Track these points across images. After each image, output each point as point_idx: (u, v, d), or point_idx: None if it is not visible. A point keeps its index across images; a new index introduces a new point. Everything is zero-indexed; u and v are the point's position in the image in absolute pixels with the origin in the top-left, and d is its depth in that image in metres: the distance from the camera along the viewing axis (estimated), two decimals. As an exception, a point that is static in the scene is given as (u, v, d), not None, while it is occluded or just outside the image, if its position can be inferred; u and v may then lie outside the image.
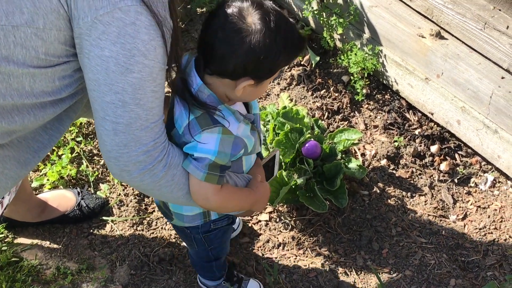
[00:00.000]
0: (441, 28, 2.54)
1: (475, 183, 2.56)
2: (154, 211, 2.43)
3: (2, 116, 1.44)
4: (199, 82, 1.56)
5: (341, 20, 2.69)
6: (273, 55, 1.53)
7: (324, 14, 2.76)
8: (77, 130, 2.62)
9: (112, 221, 2.42)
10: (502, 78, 2.37)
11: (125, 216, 2.43)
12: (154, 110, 1.45)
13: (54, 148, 2.55)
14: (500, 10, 2.39)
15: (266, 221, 2.43)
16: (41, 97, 1.45)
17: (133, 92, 1.39)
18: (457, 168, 2.58)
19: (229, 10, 1.50)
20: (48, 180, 2.49)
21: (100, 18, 1.31)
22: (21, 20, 1.31)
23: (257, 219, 2.43)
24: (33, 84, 1.42)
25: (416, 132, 2.67)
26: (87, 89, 1.43)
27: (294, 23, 1.58)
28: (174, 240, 2.36)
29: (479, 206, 2.49)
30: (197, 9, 3.12)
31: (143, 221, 2.42)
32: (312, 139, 2.35)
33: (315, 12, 2.77)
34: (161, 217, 2.40)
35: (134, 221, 2.41)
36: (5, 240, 2.33)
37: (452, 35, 2.52)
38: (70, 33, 1.37)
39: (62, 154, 2.55)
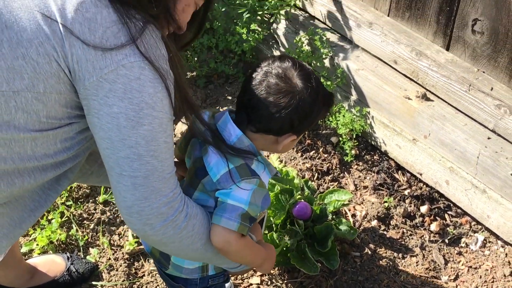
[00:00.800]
0: (427, 90, 2.59)
1: (466, 243, 2.55)
2: (144, 275, 2.40)
3: (2, 179, 1.44)
4: (239, 133, 1.64)
5: (328, 82, 2.74)
6: (316, 111, 1.66)
7: (312, 77, 2.81)
8: (67, 194, 2.61)
9: (101, 286, 2.38)
10: (488, 138, 2.41)
11: (115, 280, 2.39)
12: (168, 161, 1.47)
13: (44, 212, 2.54)
14: (484, 72, 2.45)
15: (258, 284, 2.40)
16: (43, 160, 1.46)
17: (146, 145, 1.41)
18: (448, 228, 2.58)
19: (274, 71, 1.61)
20: (37, 245, 2.45)
21: (105, 76, 1.34)
22: (21, 85, 1.33)
23: (248, 282, 2.40)
24: (35, 148, 1.43)
25: (406, 192, 2.67)
26: (99, 148, 1.45)
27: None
28: (164, 305, 2.33)
29: (470, 266, 2.47)
30: (187, 73, 3.16)
31: (133, 286, 2.38)
32: (302, 200, 2.35)
33: (303, 75, 2.82)
34: (151, 281, 2.37)
35: (124, 286, 2.38)
36: (-7, 307, 2.29)
37: (438, 97, 2.57)
38: (71, 95, 1.39)
39: (52, 219, 2.53)
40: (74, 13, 1.32)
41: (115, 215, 2.59)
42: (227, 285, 2.32)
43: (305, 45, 2.82)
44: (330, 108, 1.80)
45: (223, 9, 2.99)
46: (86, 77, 1.34)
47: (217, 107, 2.95)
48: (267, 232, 2.34)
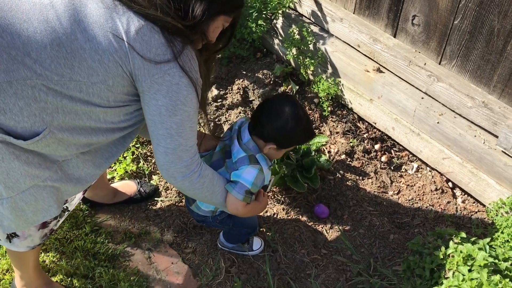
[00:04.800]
0: (380, 65, 2.58)
1: (405, 169, 2.59)
2: (189, 193, 2.45)
3: (84, 135, 1.48)
4: (248, 137, 1.75)
5: (312, 61, 2.74)
6: (292, 137, 1.75)
7: (300, 57, 2.80)
8: (136, 139, 2.66)
9: (161, 200, 2.44)
10: (422, 98, 2.42)
11: (170, 197, 2.45)
12: (191, 139, 1.51)
13: (115, 160, 2.56)
14: (420, 52, 2.45)
15: (265, 198, 2.45)
16: (111, 125, 1.50)
17: (177, 128, 1.45)
18: (393, 159, 2.62)
19: (277, 100, 1.75)
20: (117, 173, 2.51)
21: (155, 80, 1.37)
22: (97, 79, 1.35)
23: (258, 197, 2.45)
24: (105, 117, 1.46)
25: (365, 135, 2.69)
26: (147, 125, 1.49)
27: (311, 121, 1.80)
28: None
29: (408, 185, 2.52)
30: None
31: (182, 200, 2.45)
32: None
33: (295, 56, 2.81)
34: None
35: (176, 200, 2.44)
36: (89, 215, 2.37)
37: (388, 70, 2.57)
38: (130, 88, 1.42)
39: (126, 156, 2.57)
40: (136, 35, 1.33)
41: (168, 153, 2.62)
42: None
43: (296, 35, 2.79)
44: (309, 140, 1.88)
45: (239, 10, 2.95)
46: (143, 79, 1.37)
47: (235, 79, 2.95)
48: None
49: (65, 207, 1.76)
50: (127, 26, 1.33)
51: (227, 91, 2.90)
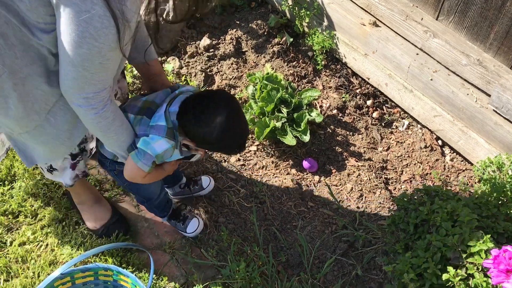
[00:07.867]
0: (377, 19, 2.52)
1: (396, 126, 2.58)
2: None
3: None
4: (177, 109, 1.57)
5: (308, 12, 2.66)
6: (213, 146, 1.68)
7: (296, 8, 2.72)
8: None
9: None
10: (417, 54, 2.37)
11: None
12: (99, 75, 1.33)
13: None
14: (417, 6, 2.38)
15: (255, 151, 2.45)
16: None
17: (81, 61, 1.28)
18: (384, 116, 2.60)
19: (213, 103, 1.57)
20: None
21: (61, 0, 1.19)
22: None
23: (248, 149, 2.45)
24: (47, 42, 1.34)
25: (357, 91, 2.66)
26: None
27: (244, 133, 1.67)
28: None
29: (398, 141, 2.51)
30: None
31: (171, 150, 2.42)
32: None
33: (290, 6, 2.73)
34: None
35: None
36: (78, 162, 2.35)
37: (384, 24, 2.50)
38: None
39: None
40: None
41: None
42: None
43: (292, -15, 2.70)
44: (234, 153, 1.82)
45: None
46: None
47: (229, 29, 2.87)
48: (261, 117, 2.37)
49: (82, 147, 1.81)
50: None
51: (219, 41, 2.83)
